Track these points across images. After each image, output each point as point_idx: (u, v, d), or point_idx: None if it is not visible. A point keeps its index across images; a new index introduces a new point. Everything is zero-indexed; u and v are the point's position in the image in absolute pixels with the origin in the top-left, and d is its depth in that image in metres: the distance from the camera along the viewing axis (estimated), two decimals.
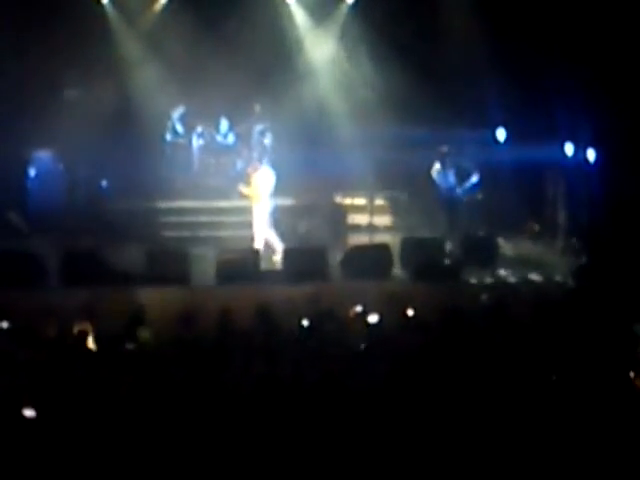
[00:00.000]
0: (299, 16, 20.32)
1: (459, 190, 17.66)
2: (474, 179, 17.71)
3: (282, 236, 17.23)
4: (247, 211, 19.04)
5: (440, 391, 8.88)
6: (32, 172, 19.49)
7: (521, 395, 8.76)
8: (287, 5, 20.33)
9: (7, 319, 11.81)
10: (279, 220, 17.39)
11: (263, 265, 15.88)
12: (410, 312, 12.32)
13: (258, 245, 16.80)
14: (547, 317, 11.54)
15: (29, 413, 8.38)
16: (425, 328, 11.61)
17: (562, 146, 18.46)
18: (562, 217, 18.05)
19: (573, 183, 18.21)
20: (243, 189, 17.30)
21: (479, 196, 17.90)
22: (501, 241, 16.91)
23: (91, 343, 11.11)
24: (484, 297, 13.91)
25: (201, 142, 20.19)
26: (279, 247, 16.76)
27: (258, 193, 17.15)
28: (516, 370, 9.42)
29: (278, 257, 16.52)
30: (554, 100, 18.00)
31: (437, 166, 17.73)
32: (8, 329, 11.65)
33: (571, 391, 8.89)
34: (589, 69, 17.19)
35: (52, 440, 8.00)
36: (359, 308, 12.46)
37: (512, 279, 15.63)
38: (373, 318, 12.09)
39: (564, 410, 8.50)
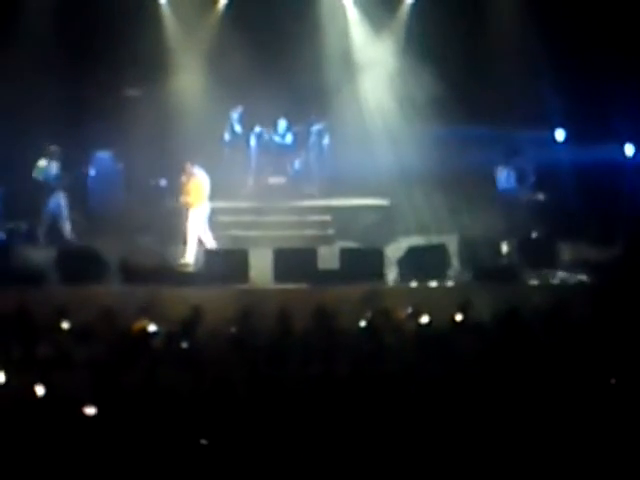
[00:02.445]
0: (357, 17, 20.32)
1: (520, 191, 17.62)
2: (532, 179, 17.65)
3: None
4: (305, 210, 19.17)
5: (497, 393, 8.87)
6: (92, 172, 19.73)
7: (579, 398, 8.72)
8: (344, 6, 20.36)
9: (68, 318, 11.96)
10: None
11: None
12: (459, 317, 12.24)
13: (191, 248, 16.95)
14: (606, 320, 11.46)
15: (90, 411, 8.49)
16: (482, 329, 11.59)
17: (622, 147, 18.29)
18: (621, 219, 17.83)
19: (633, 184, 18.02)
20: (183, 199, 17.30)
21: (541, 197, 17.76)
22: (560, 243, 16.75)
23: (151, 341, 11.24)
24: (537, 299, 13.78)
25: (259, 142, 20.27)
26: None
27: (197, 198, 17.20)
28: (574, 373, 9.36)
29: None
30: (614, 100, 17.84)
31: (500, 167, 17.69)
32: (69, 329, 11.80)
33: (631, 395, 8.82)
34: None
35: (113, 437, 8.11)
36: (410, 309, 12.45)
37: (571, 281, 15.49)
38: (425, 319, 12.08)
39: (623, 413, 8.45)
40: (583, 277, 15.57)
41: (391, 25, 20.30)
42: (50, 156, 18.20)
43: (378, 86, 20.13)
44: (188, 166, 17.41)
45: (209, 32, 20.28)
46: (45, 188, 18.14)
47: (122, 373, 9.42)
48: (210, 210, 17.42)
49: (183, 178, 17.42)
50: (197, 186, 17.29)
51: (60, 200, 18.24)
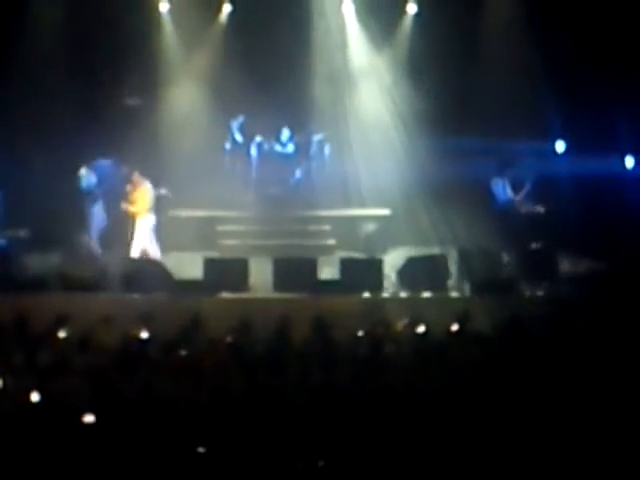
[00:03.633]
0: (357, 29, 20.35)
1: (518, 202, 17.62)
2: (527, 189, 17.66)
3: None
4: (305, 220, 19.19)
5: (497, 403, 8.87)
6: (93, 179, 19.71)
7: (581, 408, 8.72)
8: (345, 18, 20.39)
9: (67, 326, 11.95)
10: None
11: None
12: (454, 327, 12.23)
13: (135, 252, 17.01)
14: (605, 331, 11.46)
15: (88, 419, 8.49)
16: (480, 340, 11.58)
17: (622, 159, 18.30)
18: (621, 231, 17.81)
19: (633, 196, 18.03)
20: (128, 207, 17.26)
21: (540, 209, 17.74)
22: (560, 254, 16.72)
23: (145, 349, 11.24)
24: (536, 310, 13.75)
25: (260, 151, 20.30)
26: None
27: (143, 208, 17.19)
28: (572, 384, 9.37)
29: None
30: (614, 112, 17.87)
31: (496, 178, 17.69)
32: (68, 336, 11.79)
33: (633, 403, 8.82)
34: None
35: (111, 445, 8.11)
36: (407, 320, 12.45)
37: (570, 293, 15.46)
38: (421, 329, 12.07)
39: (625, 422, 8.45)
40: (583, 289, 15.54)
41: (391, 37, 20.33)
42: (88, 164, 18.15)
43: (377, 97, 20.17)
44: (136, 176, 17.37)
45: (210, 42, 20.33)
46: (86, 197, 18.08)
47: (121, 381, 9.41)
48: (156, 221, 17.38)
49: (129, 187, 17.39)
50: (142, 196, 17.25)
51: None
